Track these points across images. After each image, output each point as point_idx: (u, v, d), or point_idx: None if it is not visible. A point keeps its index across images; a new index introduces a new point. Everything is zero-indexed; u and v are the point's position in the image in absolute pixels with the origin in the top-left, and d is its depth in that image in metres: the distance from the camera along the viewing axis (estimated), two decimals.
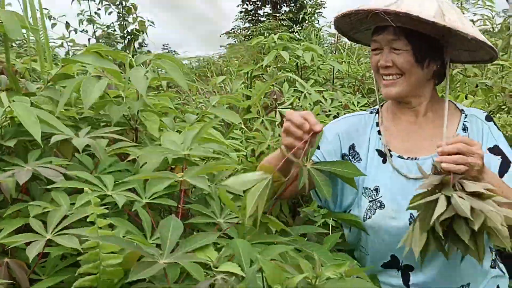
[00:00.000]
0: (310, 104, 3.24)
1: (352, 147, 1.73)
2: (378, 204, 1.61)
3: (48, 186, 1.26)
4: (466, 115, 1.67)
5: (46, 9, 4.80)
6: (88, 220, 0.99)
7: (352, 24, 1.75)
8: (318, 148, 1.72)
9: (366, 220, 1.62)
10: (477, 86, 3.00)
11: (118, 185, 1.34)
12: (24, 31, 1.74)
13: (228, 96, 2.50)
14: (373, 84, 4.29)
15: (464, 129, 1.65)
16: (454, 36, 1.54)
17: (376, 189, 1.63)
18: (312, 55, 3.61)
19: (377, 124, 1.74)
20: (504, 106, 2.59)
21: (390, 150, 1.66)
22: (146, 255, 0.91)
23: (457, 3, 3.97)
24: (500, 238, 1.16)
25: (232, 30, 21.48)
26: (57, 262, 1.11)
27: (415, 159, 1.61)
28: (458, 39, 1.56)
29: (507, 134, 2.89)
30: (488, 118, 1.67)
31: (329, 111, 3.05)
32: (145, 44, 8.29)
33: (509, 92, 2.62)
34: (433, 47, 1.59)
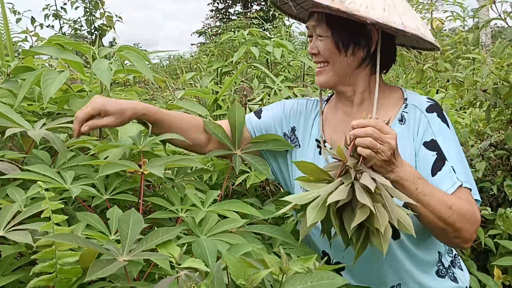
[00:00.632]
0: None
1: (293, 129, 1.69)
2: None
3: (1, 177, 1.20)
4: (406, 105, 1.55)
5: (10, 3, 4.68)
6: (42, 215, 0.94)
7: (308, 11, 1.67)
8: (259, 118, 1.71)
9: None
10: (448, 80, 3.01)
11: (78, 179, 1.29)
12: None
13: (195, 89, 2.46)
14: None
15: (401, 120, 1.54)
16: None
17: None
18: (282, 51, 3.59)
19: (321, 114, 1.68)
20: (475, 101, 2.60)
21: (325, 142, 1.62)
22: (105, 252, 0.86)
23: (427, 1, 4.00)
24: (380, 240, 1.11)
25: (203, 29, 21.36)
26: (12, 261, 1.05)
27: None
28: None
29: (478, 129, 2.91)
30: (430, 109, 1.53)
31: None
32: (115, 43, 8.18)
33: (481, 86, 2.63)
34: (358, 33, 1.49)
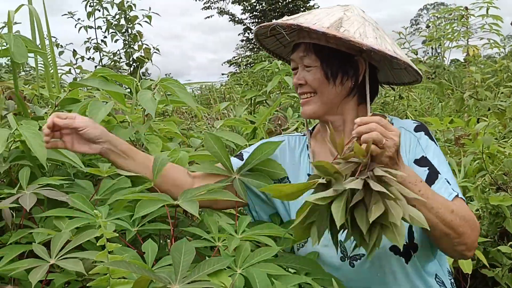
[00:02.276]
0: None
1: None
2: None
3: (46, 214, 1.25)
4: None
5: (54, 37, 4.86)
6: (98, 244, 0.96)
7: (286, 47, 1.71)
8: (242, 160, 1.63)
9: (300, 250, 1.56)
10: (489, 109, 2.98)
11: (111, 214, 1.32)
12: (32, 55, 1.74)
13: (234, 119, 2.49)
14: (378, 109, 4.31)
15: None
16: (370, 52, 1.45)
17: None
18: None
19: (307, 147, 1.66)
20: None
21: None
22: (157, 280, 0.88)
23: (462, 28, 3.99)
24: (396, 234, 1.09)
25: (234, 59, 21.64)
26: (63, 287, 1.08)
27: None
28: (378, 56, 1.48)
29: None
30: (418, 128, 1.54)
31: None
32: (148, 73, 8.36)
33: None
34: (346, 63, 1.51)
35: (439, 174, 1.45)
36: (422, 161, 1.48)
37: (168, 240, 1.43)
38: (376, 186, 1.09)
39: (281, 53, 1.76)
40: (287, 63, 1.79)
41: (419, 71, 1.53)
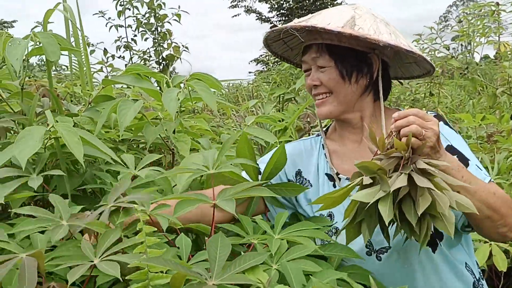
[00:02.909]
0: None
1: (298, 173, 1.66)
2: (334, 231, 1.54)
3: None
4: None
5: (85, 36, 4.93)
6: (137, 237, 0.97)
7: (293, 50, 1.71)
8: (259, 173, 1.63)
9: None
10: None
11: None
12: (65, 53, 1.77)
13: (265, 116, 2.49)
14: (408, 105, 4.26)
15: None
16: (384, 48, 1.47)
17: (330, 215, 1.57)
18: None
19: (323, 147, 1.66)
20: None
21: (338, 174, 1.59)
22: (194, 275, 0.88)
23: (493, 24, 3.92)
24: (445, 223, 1.09)
25: (261, 57, 21.62)
26: (105, 286, 1.08)
27: None
28: (387, 50, 1.50)
29: None
30: (437, 118, 1.50)
31: None
32: (175, 72, 8.43)
33: None
34: (360, 61, 1.52)
35: (469, 161, 1.45)
36: (450, 150, 1.46)
37: (206, 237, 1.44)
38: (421, 182, 1.09)
39: (289, 56, 1.77)
40: (296, 66, 1.82)
41: (432, 63, 1.53)
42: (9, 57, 1.46)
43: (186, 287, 0.84)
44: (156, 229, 1.00)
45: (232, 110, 4.53)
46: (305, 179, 1.65)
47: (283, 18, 24.05)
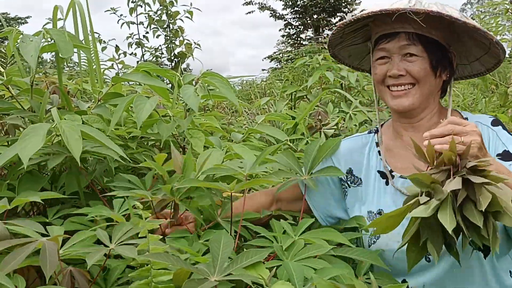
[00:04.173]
0: (355, 124, 3.19)
1: (349, 171, 1.65)
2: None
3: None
4: None
5: (96, 33, 4.96)
6: (140, 235, 0.98)
7: (342, 38, 1.66)
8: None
9: (371, 246, 1.54)
10: None
11: None
12: (75, 50, 1.77)
13: (275, 114, 2.49)
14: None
15: None
16: (461, 45, 1.48)
17: (380, 213, 1.56)
18: (357, 75, 3.57)
19: (377, 145, 1.65)
20: None
21: (391, 171, 1.57)
22: (196, 272, 0.89)
23: (507, 22, 3.87)
24: (511, 217, 1.07)
25: (274, 54, 21.58)
26: (120, 275, 1.10)
27: None
28: (464, 49, 1.49)
29: None
30: (495, 123, 1.53)
31: None
32: (189, 69, 8.43)
33: None
34: (444, 55, 1.51)
35: None
36: (506, 155, 1.46)
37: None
38: (476, 179, 1.08)
39: (336, 51, 1.73)
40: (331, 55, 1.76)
41: (502, 45, 1.50)
42: (23, 54, 1.47)
43: (187, 283, 0.84)
44: (158, 226, 1.00)
45: (244, 108, 4.53)
46: (356, 177, 1.64)
47: (297, 16, 23.98)
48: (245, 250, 1.01)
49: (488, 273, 1.47)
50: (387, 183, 1.57)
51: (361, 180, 1.63)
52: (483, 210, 1.06)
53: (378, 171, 1.60)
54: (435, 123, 1.54)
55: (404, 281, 1.54)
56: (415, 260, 1.19)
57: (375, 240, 1.53)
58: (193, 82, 1.76)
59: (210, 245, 0.97)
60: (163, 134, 1.68)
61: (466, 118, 1.57)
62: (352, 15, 1.59)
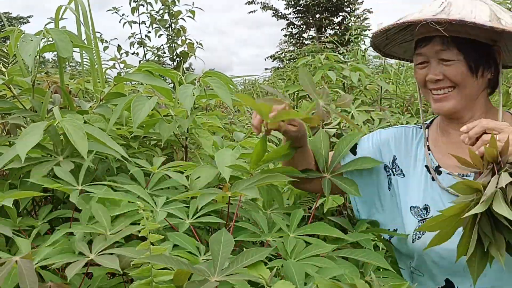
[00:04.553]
0: (358, 124, 3.19)
1: (393, 160, 1.64)
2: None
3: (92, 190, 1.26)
4: None
5: (98, 32, 4.95)
6: (140, 234, 0.97)
7: (388, 39, 1.65)
8: (355, 154, 1.66)
9: (415, 241, 1.53)
10: None
11: (168, 203, 1.34)
12: (77, 50, 1.77)
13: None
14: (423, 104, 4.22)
15: None
16: (507, 39, 1.44)
17: (426, 208, 1.54)
18: (359, 75, 3.57)
19: (427, 139, 1.63)
20: None
21: (439, 167, 1.56)
22: (196, 272, 0.88)
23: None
24: None
25: (277, 53, 21.56)
26: (102, 282, 1.09)
27: (466, 176, 1.49)
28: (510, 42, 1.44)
29: None
30: None
31: None
32: (192, 69, 8.43)
33: None
34: (486, 54, 1.47)
35: None
36: None
37: None
38: None
39: (379, 45, 1.71)
40: (382, 54, 1.75)
41: None
42: (21, 53, 1.47)
43: (188, 284, 0.84)
44: (159, 226, 0.99)
45: (247, 107, 4.52)
46: (399, 167, 1.63)
47: (300, 15, 23.97)
48: (245, 249, 1.00)
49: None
50: (433, 179, 1.56)
51: (402, 171, 1.62)
52: None
53: (425, 166, 1.59)
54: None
55: (448, 280, 1.52)
56: (478, 271, 1.17)
57: (420, 236, 1.51)
58: (195, 82, 1.76)
59: (210, 245, 0.97)
60: (164, 134, 1.68)
61: None
62: (381, 27, 1.58)
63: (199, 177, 1.47)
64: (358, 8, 22.99)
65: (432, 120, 1.70)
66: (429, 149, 1.62)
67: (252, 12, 25.05)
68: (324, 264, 1.11)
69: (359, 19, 19.72)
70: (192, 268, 0.89)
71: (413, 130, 1.68)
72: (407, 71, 5.61)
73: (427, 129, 1.67)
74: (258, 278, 0.89)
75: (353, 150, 1.69)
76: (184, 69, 4.79)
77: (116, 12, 4.88)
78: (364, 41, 6.19)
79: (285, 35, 25.15)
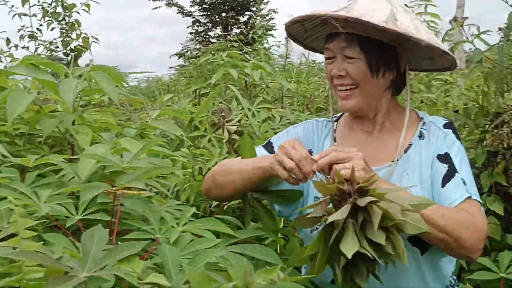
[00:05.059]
0: (258, 121, 3.24)
1: (310, 153, 1.68)
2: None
3: None
4: (424, 123, 1.60)
5: None
6: (11, 230, 0.93)
7: (307, 32, 1.68)
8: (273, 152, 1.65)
9: (313, 232, 1.57)
10: (422, 101, 3.07)
11: (52, 198, 1.28)
12: None
13: (170, 109, 2.47)
14: (322, 102, 4.36)
15: (420, 136, 1.57)
16: (413, 43, 1.49)
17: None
18: (261, 73, 3.62)
19: (334, 131, 1.69)
20: None
21: None
22: (65, 269, 0.86)
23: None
24: (414, 224, 1.12)
25: (182, 51, 21.37)
26: None
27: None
28: (416, 46, 1.50)
29: None
30: (447, 126, 1.58)
31: (278, 128, 3.05)
32: (92, 65, 8.14)
33: (453, 107, 2.69)
34: (388, 55, 1.52)
35: (456, 173, 1.47)
36: (444, 158, 1.51)
37: None
38: (362, 201, 1.12)
39: (299, 38, 1.73)
40: (308, 50, 1.79)
41: (451, 54, 1.56)
42: None
43: (51, 279, 0.81)
44: (33, 223, 0.95)
45: (148, 104, 4.45)
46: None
47: (206, 13, 23.91)
48: (119, 243, 0.99)
49: (425, 272, 1.51)
50: None
51: None
52: (382, 227, 1.10)
53: None
54: (388, 119, 1.61)
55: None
56: (321, 270, 1.21)
57: (317, 227, 1.52)
58: (81, 76, 1.70)
59: (82, 240, 0.94)
60: (45, 130, 1.61)
61: (422, 118, 1.63)
62: (292, 18, 1.60)
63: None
64: (264, 8, 23.29)
65: (342, 114, 1.74)
66: (335, 141, 1.66)
67: (156, 8, 24.58)
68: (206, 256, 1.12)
69: (265, 19, 19.98)
70: (62, 265, 0.86)
71: (323, 123, 1.72)
72: (308, 71, 5.77)
73: (336, 122, 1.72)
74: (129, 272, 0.88)
75: (271, 150, 1.68)
76: (78, 65, 4.62)
77: (5, 4, 4.62)
78: (267, 40, 6.30)
79: (191, 33, 24.99)
